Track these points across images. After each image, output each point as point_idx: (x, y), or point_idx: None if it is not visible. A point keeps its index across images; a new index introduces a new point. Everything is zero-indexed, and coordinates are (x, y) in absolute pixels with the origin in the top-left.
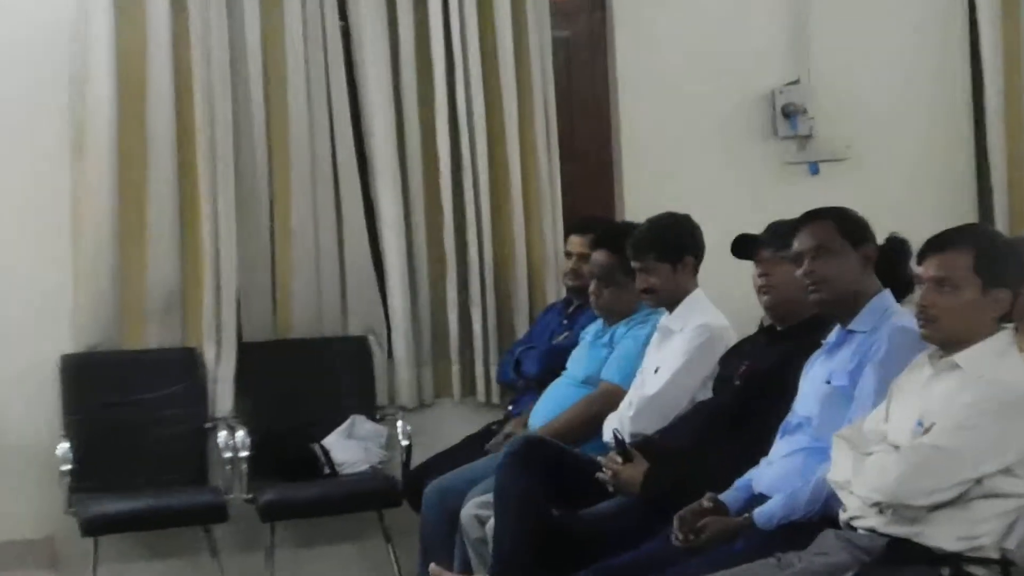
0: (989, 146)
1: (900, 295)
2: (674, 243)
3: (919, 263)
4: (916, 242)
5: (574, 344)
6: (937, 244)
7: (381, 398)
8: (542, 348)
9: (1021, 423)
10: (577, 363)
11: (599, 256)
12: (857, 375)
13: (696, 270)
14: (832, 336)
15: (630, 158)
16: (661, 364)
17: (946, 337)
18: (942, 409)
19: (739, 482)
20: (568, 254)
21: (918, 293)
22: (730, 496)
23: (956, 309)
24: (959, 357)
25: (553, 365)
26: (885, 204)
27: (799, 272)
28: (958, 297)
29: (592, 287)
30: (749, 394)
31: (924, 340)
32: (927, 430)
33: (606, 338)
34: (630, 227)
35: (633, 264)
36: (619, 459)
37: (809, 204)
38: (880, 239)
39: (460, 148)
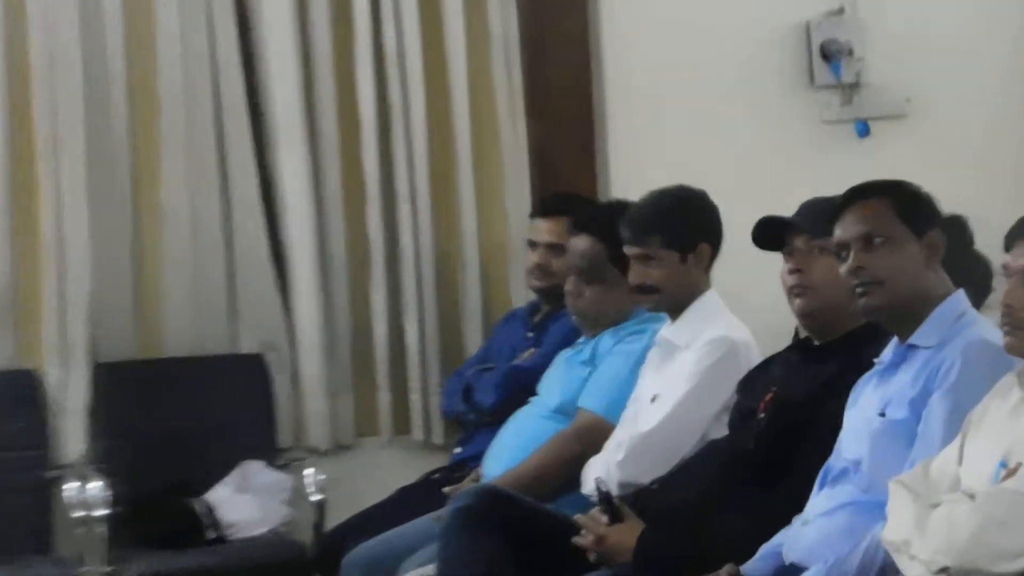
0: None
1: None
2: (688, 224)
3: (1007, 249)
4: (1001, 225)
5: (544, 363)
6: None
7: (284, 438)
8: (501, 370)
9: None
10: (550, 386)
11: (581, 243)
12: (921, 404)
13: (711, 265)
14: (888, 353)
15: (619, 114)
16: (661, 390)
17: None
18: None
19: (765, 548)
20: (534, 244)
21: (1002, 291)
22: (755, 567)
23: None
24: None
25: (516, 392)
26: (957, 175)
27: (844, 269)
28: None
29: (570, 284)
30: (777, 431)
31: (1010, 353)
32: (1012, 472)
33: (587, 352)
34: (620, 207)
35: (628, 250)
36: (604, 518)
37: (856, 176)
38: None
39: (388, 100)
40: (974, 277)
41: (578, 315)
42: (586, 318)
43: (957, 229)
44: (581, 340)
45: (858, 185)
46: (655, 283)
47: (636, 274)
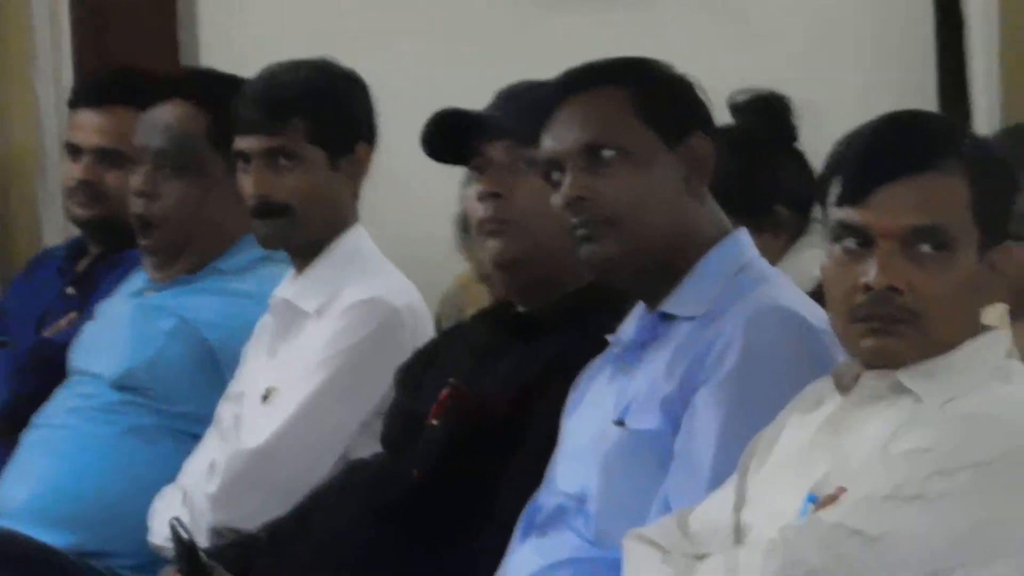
0: None
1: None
2: (345, 111)
3: (852, 199)
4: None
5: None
6: (907, 155)
7: None
8: (25, 345)
9: None
10: (101, 348)
11: (167, 112)
12: (681, 406)
13: (361, 181)
14: (629, 328)
15: None
16: (277, 382)
17: (928, 350)
18: (863, 465)
19: None
20: (75, 150)
21: (838, 255)
22: None
23: (954, 295)
24: (911, 374)
25: (48, 379)
26: (748, 55)
27: (557, 199)
28: (954, 268)
29: (138, 179)
30: (458, 449)
31: (874, 360)
32: (830, 500)
33: (171, 293)
34: (231, 80)
35: (248, 143)
36: None
37: (589, 51)
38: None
39: None
40: (786, 194)
41: (147, 236)
42: (158, 240)
43: (769, 115)
44: (147, 286)
45: (577, 68)
46: (287, 198)
47: (258, 182)
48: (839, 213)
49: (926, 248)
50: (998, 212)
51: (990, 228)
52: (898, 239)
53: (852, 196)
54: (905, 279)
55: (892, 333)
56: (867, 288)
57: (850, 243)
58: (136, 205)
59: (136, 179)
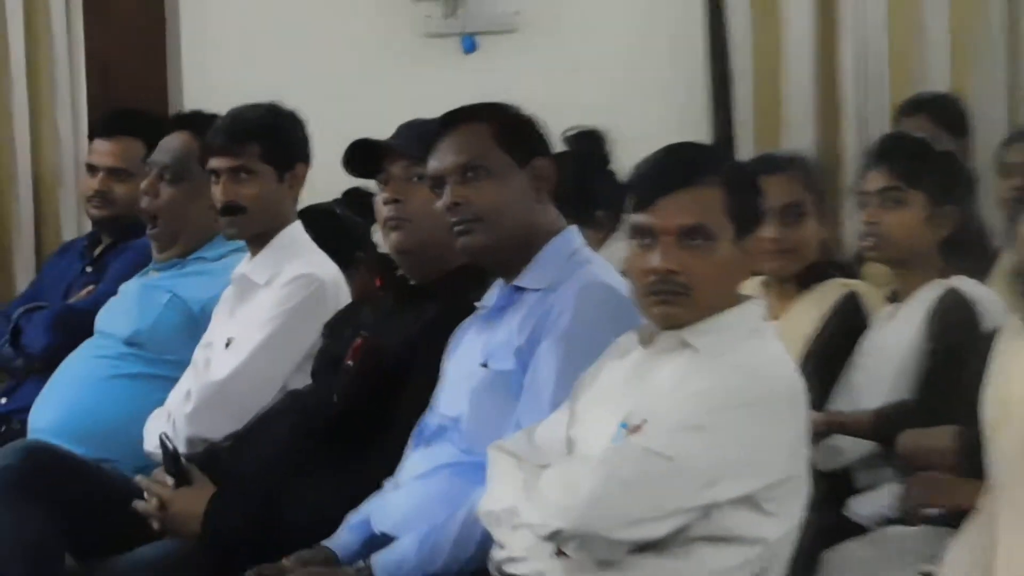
0: (729, 26)
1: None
2: (288, 139)
3: (641, 207)
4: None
5: (104, 303)
6: (678, 174)
7: None
8: (54, 309)
9: (775, 430)
10: (116, 316)
11: (174, 139)
12: (528, 354)
13: (299, 190)
14: (492, 296)
15: (195, 23)
16: (236, 334)
17: (699, 316)
18: (660, 402)
19: (353, 518)
20: (93, 168)
21: (638, 252)
22: (341, 540)
23: (716, 273)
24: (691, 333)
25: (70, 334)
26: (577, 100)
27: (441, 203)
28: (715, 253)
29: (146, 183)
30: (366, 381)
31: (664, 324)
32: (637, 429)
33: (167, 275)
34: (207, 115)
35: (218, 162)
36: (170, 480)
37: (463, 96)
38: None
39: None
40: (603, 202)
41: (153, 226)
42: (160, 229)
43: (590, 144)
44: (152, 266)
45: (453, 109)
46: (245, 202)
47: (224, 190)
48: (634, 218)
49: (694, 241)
50: (748, 212)
51: (742, 224)
52: (673, 235)
53: (642, 205)
54: (679, 263)
55: (672, 303)
56: (654, 271)
57: (641, 239)
58: (143, 202)
59: (144, 183)
